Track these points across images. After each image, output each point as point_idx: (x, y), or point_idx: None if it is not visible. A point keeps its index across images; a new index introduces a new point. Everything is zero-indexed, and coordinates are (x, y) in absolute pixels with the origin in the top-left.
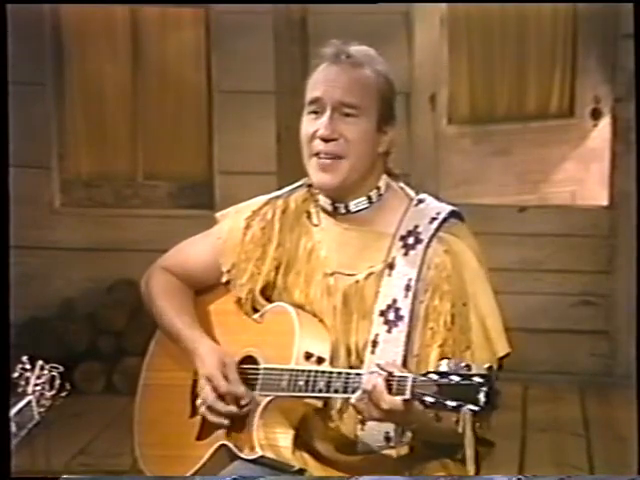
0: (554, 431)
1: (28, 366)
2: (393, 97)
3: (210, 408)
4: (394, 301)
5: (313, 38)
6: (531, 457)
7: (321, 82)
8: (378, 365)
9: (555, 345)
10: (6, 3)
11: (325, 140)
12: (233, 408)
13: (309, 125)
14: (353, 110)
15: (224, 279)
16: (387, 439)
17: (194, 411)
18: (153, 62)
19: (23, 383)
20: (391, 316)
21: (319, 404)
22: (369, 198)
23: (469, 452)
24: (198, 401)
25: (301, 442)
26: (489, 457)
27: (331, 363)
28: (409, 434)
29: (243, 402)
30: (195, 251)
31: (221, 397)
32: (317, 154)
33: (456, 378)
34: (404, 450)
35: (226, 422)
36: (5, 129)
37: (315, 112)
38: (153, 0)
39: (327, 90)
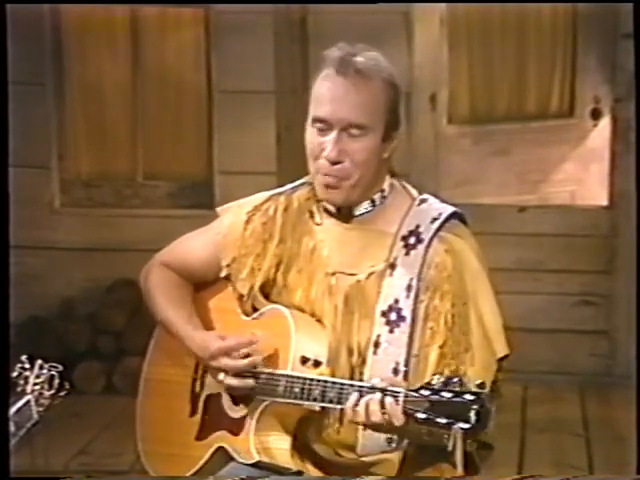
0: (554, 431)
1: (27, 365)
2: (399, 102)
3: (236, 373)
4: (396, 301)
5: (313, 38)
6: (530, 457)
7: (327, 99)
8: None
9: (555, 345)
10: (6, 3)
11: (332, 162)
12: (257, 358)
13: (314, 139)
14: (361, 130)
15: (223, 273)
16: (388, 442)
17: (194, 410)
18: (153, 62)
19: (22, 382)
20: (393, 316)
21: (316, 408)
22: (372, 201)
23: (460, 469)
24: (220, 376)
25: (299, 445)
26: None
27: (331, 365)
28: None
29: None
30: (194, 246)
31: (239, 356)
32: (323, 172)
33: (448, 395)
34: (401, 453)
35: (252, 382)
36: (5, 129)
37: (321, 129)
38: (153, 0)
39: (334, 110)
